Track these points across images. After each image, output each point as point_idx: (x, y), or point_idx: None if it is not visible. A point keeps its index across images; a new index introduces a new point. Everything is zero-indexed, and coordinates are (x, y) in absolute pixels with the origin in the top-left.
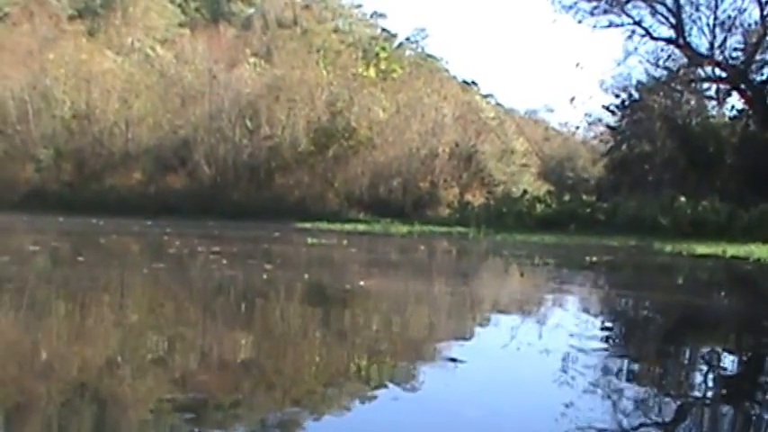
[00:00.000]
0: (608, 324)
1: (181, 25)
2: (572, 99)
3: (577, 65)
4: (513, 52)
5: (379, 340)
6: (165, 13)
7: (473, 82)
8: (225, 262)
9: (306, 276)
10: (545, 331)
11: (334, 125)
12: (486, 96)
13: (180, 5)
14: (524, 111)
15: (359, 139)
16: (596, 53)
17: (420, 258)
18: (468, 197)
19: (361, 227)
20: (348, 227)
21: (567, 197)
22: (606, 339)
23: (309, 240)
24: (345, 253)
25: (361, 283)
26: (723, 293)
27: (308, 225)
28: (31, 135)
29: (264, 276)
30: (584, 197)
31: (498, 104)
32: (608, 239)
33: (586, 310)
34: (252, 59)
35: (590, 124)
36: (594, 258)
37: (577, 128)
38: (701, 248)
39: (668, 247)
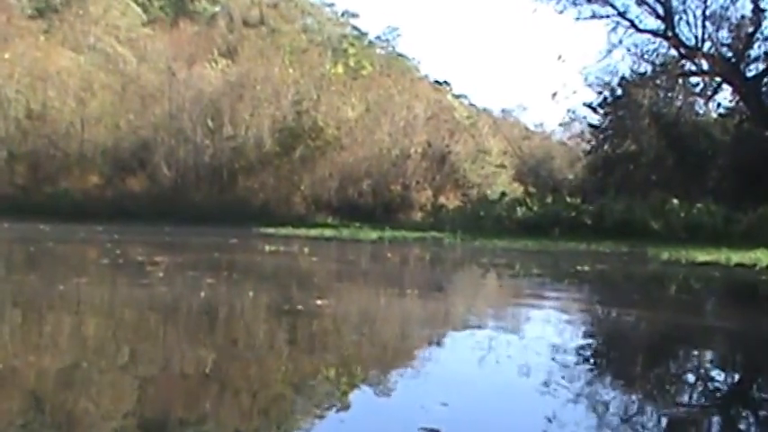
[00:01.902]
0: (615, 367)
1: (144, 25)
2: (554, 94)
3: (559, 57)
4: (486, 52)
5: (328, 381)
6: (127, 12)
7: (445, 82)
8: (161, 275)
9: (251, 294)
10: (537, 364)
11: (301, 125)
12: (458, 96)
13: (142, 5)
14: (499, 110)
15: (326, 140)
16: (576, 49)
17: (390, 268)
18: (442, 200)
19: (327, 232)
20: (314, 232)
21: (549, 199)
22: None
23: (268, 248)
24: (306, 262)
25: (318, 301)
26: (738, 311)
27: (271, 230)
28: None
29: (201, 294)
30: (569, 199)
31: (472, 105)
32: (596, 245)
33: (582, 336)
34: (215, 57)
35: (567, 123)
36: (585, 267)
37: (560, 125)
38: (701, 255)
39: (664, 254)
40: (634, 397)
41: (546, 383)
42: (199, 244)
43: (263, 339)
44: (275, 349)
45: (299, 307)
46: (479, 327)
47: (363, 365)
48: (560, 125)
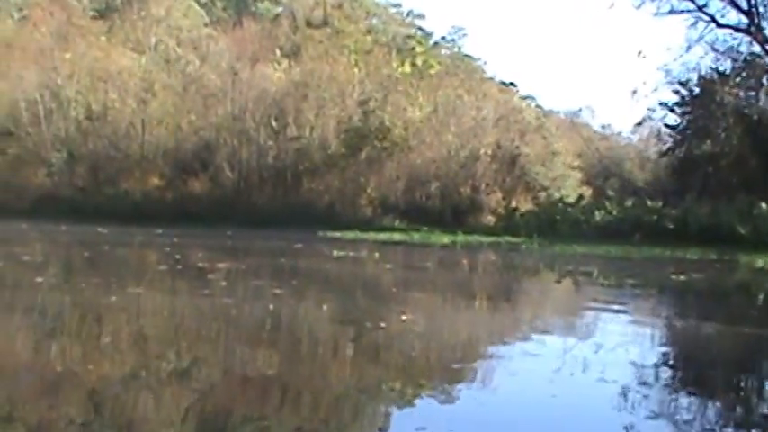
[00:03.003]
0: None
1: (206, 26)
2: (634, 92)
3: (639, 53)
4: (553, 53)
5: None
6: (189, 13)
7: (512, 83)
8: (223, 284)
9: (324, 307)
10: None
11: (367, 125)
12: (525, 98)
13: (205, 5)
14: (565, 112)
15: (393, 140)
16: (651, 48)
17: (471, 277)
18: (514, 203)
19: (397, 236)
20: (382, 236)
21: (629, 202)
22: None
23: (336, 253)
24: (379, 270)
25: (402, 317)
26: None
27: (337, 234)
28: (42, 137)
29: (270, 307)
30: (649, 203)
31: (538, 106)
32: (682, 251)
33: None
34: (277, 58)
35: (639, 124)
36: (681, 276)
37: (638, 123)
38: None
39: (759, 262)
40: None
41: (624, 395)
42: (262, 248)
43: (351, 372)
44: (370, 388)
45: (382, 324)
46: (584, 339)
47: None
48: (638, 124)
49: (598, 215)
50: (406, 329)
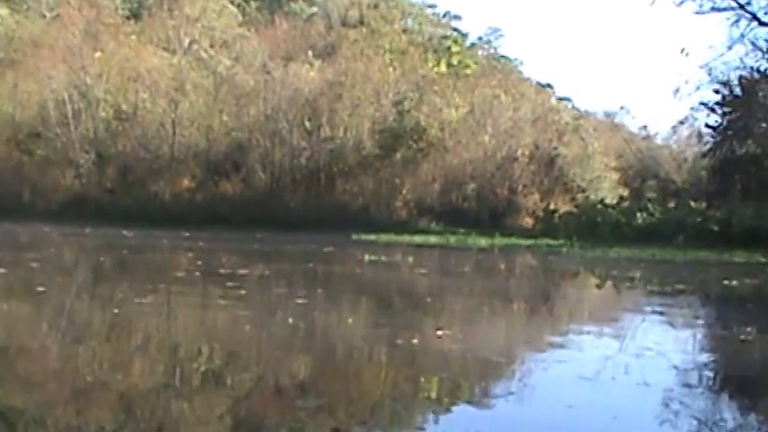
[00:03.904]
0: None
1: (239, 26)
2: (676, 90)
3: (682, 51)
4: (588, 55)
5: None
6: (223, 13)
7: (548, 84)
8: (242, 293)
9: (350, 321)
10: None
11: (402, 125)
12: (561, 99)
13: (239, 5)
14: (602, 113)
15: (429, 141)
16: (688, 47)
17: (511, 284)
18: (552, 205)
19: (432, 239)
20: (417, 239)
21: (671, 204)
22: None
23: (367, 257)
24: (413, 276)
25: (437, 332)
26: None
27: (371, 237)
28: (71, 138)
29: (289, 320)
30: (693, 204)
31: (575, 108)
32: (728, 254)
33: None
34: (310, 59)
35: (677, 126)
36: (733, 282)
37: (680, 122)
38: None
39: None
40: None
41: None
42: (291, 252)
43: (376, 406)
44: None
45: (414, 341)
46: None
47: None
48: (681, 122)
49: (639, 217)
50: (443, 348)
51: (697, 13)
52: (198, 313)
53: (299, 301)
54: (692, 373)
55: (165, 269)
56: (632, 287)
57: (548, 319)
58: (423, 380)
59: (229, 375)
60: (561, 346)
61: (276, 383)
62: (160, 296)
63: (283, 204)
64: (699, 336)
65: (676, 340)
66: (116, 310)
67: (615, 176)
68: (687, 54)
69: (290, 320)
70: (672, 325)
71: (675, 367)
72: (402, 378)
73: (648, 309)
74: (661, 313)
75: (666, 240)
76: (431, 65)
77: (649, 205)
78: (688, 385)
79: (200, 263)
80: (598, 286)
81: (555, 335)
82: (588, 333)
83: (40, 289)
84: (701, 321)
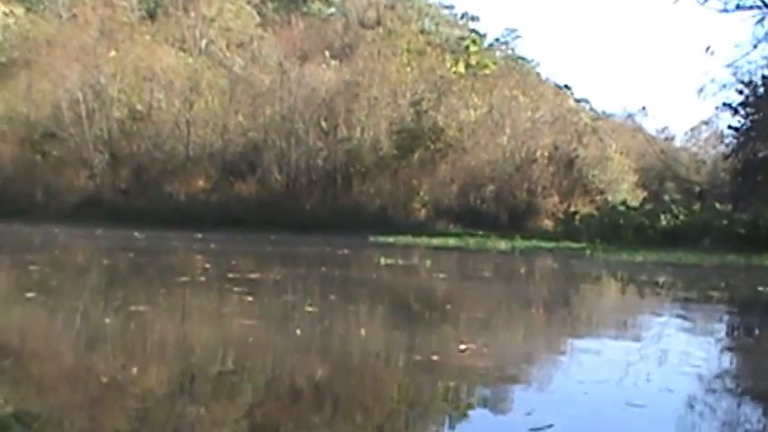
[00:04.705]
0: None
1: (256, 27)
2: (700, 90)
3: (707, 49)
4: (604, 57)
5: None
6: (240, 14)
7: (566, 86)
8: (249, 299)
9: (363, 332)
10: None
11: (420, 126)
12: (579, 101)
13: (256, 6)
14: (620, 115)
15: (447, 142)
16: (710, 46)
17: (537, 290)
18: (572, 207)
19: (451, 241)
20: (436, 242)
21: (696, 206)
22: None
23: (384, 261)
24: (432, 281)
25: (461, 345)
26: None
27: (389, 239)
28: (84, 138)
29: (297, 332)
30: (718, 206)
31: (592, 110)
32: (757, 258)
33: None
34: (327, 59)
35: (693, 129)
36: None
37: (704, 122)
38: None
39: None
40: None
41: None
42: (305, 255)
43: None
44: None
45: (435, 357)
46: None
47: None
48: (704, 123)
49: (663, 219)
50: (466, 365)
51: (721, 11)
52: (196, 325)
53: (310, 309)
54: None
55: (170, 274)
56: (663, 293)
57: (581, 332)
58: (443, 406)
59: (219, 401)
60: (602, 370)
61: (272, 411)
62: (158, 304)
63: (299, 205)
64: (734, 348)
65: (716, 354)
66: (106, 320)
67: (633, 178)
68: (712, 53)
69: (298, 332)
70: (709, 335)
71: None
72: (419, 406)
73: (685, 318)
74: (698, 323)
75: (691, 243)
76: (449, 65)
77: (673, 207)
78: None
79: (208, 266)
80: (628, 293)
81: (592, 352)
82: (628, 347)
83: (30, 295)
84: (738, 332)
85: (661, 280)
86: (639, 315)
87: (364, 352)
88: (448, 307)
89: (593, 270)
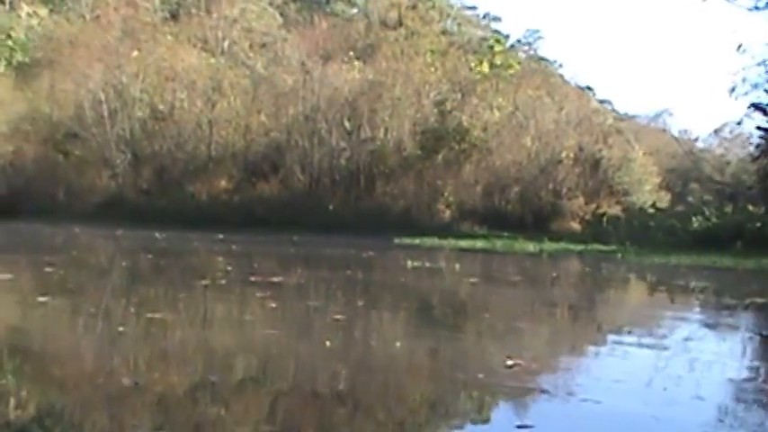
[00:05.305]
0: None
1: (279, 28)
2: (732, 89)
3: (739, 47)
4: (627, 57)
5: None
6: (263, 15)
7: (588, 87)
8: (272, 306)
9: (398, 344)
10: None
11: (444, 126)
12: (602, 102)
13: (279, 7)
14: (644, 116)
15: (472, 142)
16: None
17: (575, 295)
18: (600, 209)
19: (478, 243)
20: (462, 244)
21: (728, 208)
22: None
23: (410, 263)
24: (463, 286)
25: (508, 361)
26: None
27: (415, 241)
28: (106, 138)
29: (327, 343)
30: (751, 208)
31: (614, 110)
32: None
33: None
34: (350, 59)
35: (716, 130)
36: None
37: (739, 123)
38: None
39: None
40: None
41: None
42: (329, 257)
43: None
44: None
45: (480, 375)
46: None
47: None
48: (738, 123)
49: (695, 221)
50: (518, 386)
51: (752, 9)
52: (216, 333)
53: (337, 317)
54: None
55: (190, 276)
56: (710, 304)
57: (642, 343)
58: None
59: (235, 421)
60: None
61: None
62: (175, 310)
63: (322, 206)
64: None
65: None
66: (120, 329)
67: (656, 180)
68: (744, 51)
69: (327, 344)
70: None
71: None
72: None
73: (742, 329)
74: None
75: (724, 246)
76: (473, 65)
77: (705, 209)
78: None
79: (229, 268)
80: (672, 300)
81: (660, 370)
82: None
83: (42, 299)
84: None
85: (698, 285)
86: (699, 327)
87: (403, 369)
88: (486, 315)
89: (627, 274)
